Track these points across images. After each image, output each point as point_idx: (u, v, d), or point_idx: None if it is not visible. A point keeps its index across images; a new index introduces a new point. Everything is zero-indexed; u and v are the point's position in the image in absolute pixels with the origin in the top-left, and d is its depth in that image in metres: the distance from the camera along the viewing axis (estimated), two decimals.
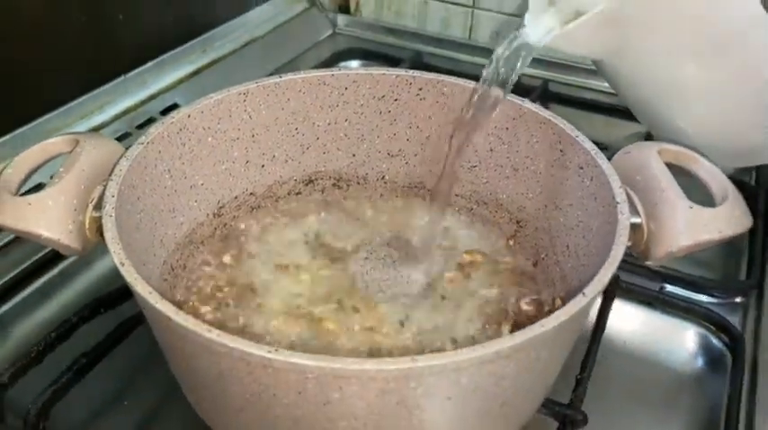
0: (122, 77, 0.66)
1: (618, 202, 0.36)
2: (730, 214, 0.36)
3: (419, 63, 0.79)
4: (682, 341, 0.50)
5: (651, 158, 0.39)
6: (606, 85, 0.76)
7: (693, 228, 0.35)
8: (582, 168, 0.41)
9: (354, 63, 0.83)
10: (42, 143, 0.39)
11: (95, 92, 0.63)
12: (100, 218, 0.36)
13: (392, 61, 0.80)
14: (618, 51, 0.46)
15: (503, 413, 0.33)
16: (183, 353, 0.32)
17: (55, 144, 0.39)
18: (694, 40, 0.45)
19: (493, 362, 0.29)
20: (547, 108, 0.45)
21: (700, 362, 0.49)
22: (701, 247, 0.36)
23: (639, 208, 0.38)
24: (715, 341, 0.49)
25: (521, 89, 0.73)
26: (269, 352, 0.27)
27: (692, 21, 0.43)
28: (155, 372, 0.44)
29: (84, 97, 0.62)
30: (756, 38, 0.44)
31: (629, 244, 0.37)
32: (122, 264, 0.31)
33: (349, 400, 0.29)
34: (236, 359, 0.28)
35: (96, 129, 0.62)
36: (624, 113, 0.72)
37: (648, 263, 0.37)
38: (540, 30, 0.42)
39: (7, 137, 0.56)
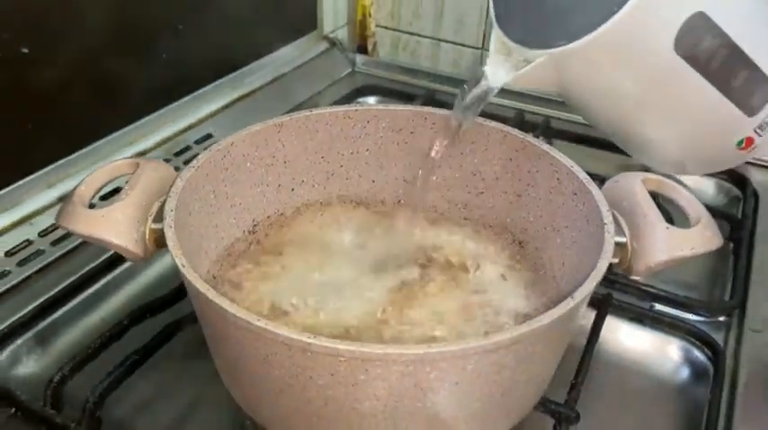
0: (163, 109, 0.73)
1: (605, 223, 0.42)
2: (702, 234, 0.41)
3: (432, 100, 0.85)
4: (668, 354, 0.55)
5: (636, 186, 0.45)
6: None
7: (670, 246, 0.41)
8: (576, 194, 0.47)
9: (372, 99, 0.90)
10: (109, 165, 0.45)
11: (140, 122, 0.70)
12: (158, 229, 0.42)
13: (407, 98, 0.86)
14: (568, 88, 0.54)
15: (503, 402, 0.39)
16: (232, 340, 0.37)
17: (120, 166, 0.45)
18: (628, 81, 0.52)
19: (494, 352, 0.34)
20: (550, 143, 0.51)
21: (684, 373, 0.54)
22: (677, 263, 0.41)
23: (625, 229, 0.43)
24: (699, 355, 0.54)
25: (526, 125, 0.80)
26: (308, 337, 0.33)
27: (620, 68, 0.51)
28: (194, 370, 0.50)
29: (130, 126, 0.68)
30: (679, 77, 0.51)
31: (616, 260, 0.43)
32: (183, 266, 0.37)
33: (373, 382, 0.34)
34: (279, 344, 0.34)
35: (140, 155, 0.69)
36: (619, 148, 0.79)
37: (633, 277, 0.43)
38: (498, 75, 0.51)
39: (63, 160, 0.62)
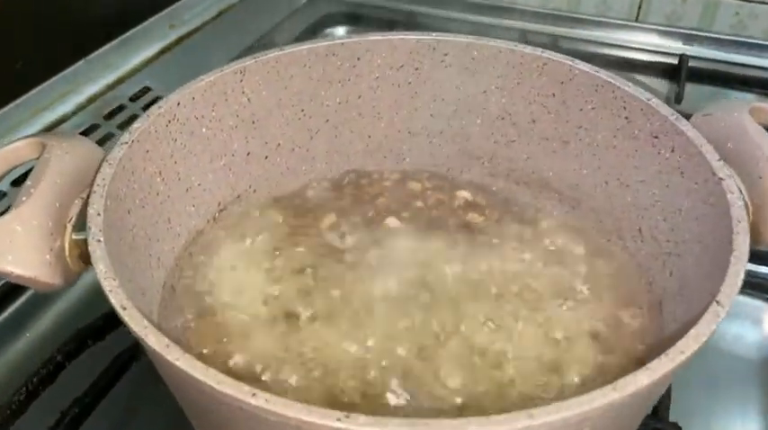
0: (83, 61, 0.57)
1: (721, 178, 0.30)
2: None
3: (415, 26, 0.71)
4: (753, 322, 0.45)
5: (744, 120, 0.33)
6: (620, 37, 0.71)
7: None
8: (657, 137, 0.35)
9: (341, 29, 0.75)
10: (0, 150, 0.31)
11: (53, 79, 0.55)
12: (81, 240, 0.28)
13: (384, 25, 0.72)
14: None
15: None
16: (197, 405, 0.25)
17: (16, 150, 0.31)
18: None
19: (624, 405, 0.22)
20: None
21: None
22: None
23: (738, 182, 0.31)
24: None
25: None
26: (338, 419, 0.20)
27: None
28: (158, 412, 0.37)
29: (40, 87, 0.54)
30: None
31: None
32: (124, 308, 0.24)
33: None
34: (263, 422, 0.21)
35: (58, 123, 0.54)
36: (643, 68, 0.67)
37: (759, 247, 0.31)
38: None
39: None
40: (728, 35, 0.70)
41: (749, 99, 0.65)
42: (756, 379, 0.42)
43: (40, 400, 0.36)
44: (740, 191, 0.31)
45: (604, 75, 0.37)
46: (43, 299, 0.43)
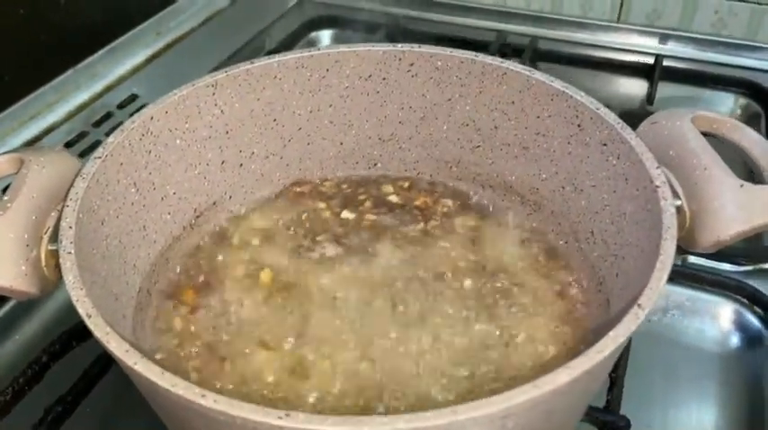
0: (71, 70, 0.59)
1: (657, 186, 0.32)
2: None
3: (398, 29, 0.72)
4: (713, 318, 0.46)
5: (685, 128, 0.35)
6: (600, 38, 0.72)
7: (747, 210, 0.31)
8: (605, 145, 0.36)
9: (326, 33, 0.77)
10: None
11: (42, 89, 0.57)
12: (57, 251, 0.30)
13: (367, 29, 0.73)
14: None
15: None
16: (160, 405, 0.27)
17: None
18: None
19: (546, 402, 0.24)
20: (536, 67, 0.40)
21: (735, 340, 0.45)
22: (756, 232, 0.31)
23: (678, 188, 0.33)
24: (750, 316, 0.45)
25: (509, 49, 0.67)
26: (279, 418, 0.22)
27: None
28: (140, 412, 0.39)
29: (29, 96, 0.55)
30: None
31: None
32: (89, 316, 0.26)
33: None
34: (212, 420, 0.23)
35: (48, 131, 0.56)
36: (621, 68, 0.68)
37: (694, 251, 0.33)
38: None
39: None
40: (705, 34, 0.71)
41: (725, 98, 0.66)
42: (715, 372, 0.44)
43: (27, 398, 0.38)
44: (676, 197, 0.32)
45: (558, 84, 0.39)
46: (31, 303, 0.45)
